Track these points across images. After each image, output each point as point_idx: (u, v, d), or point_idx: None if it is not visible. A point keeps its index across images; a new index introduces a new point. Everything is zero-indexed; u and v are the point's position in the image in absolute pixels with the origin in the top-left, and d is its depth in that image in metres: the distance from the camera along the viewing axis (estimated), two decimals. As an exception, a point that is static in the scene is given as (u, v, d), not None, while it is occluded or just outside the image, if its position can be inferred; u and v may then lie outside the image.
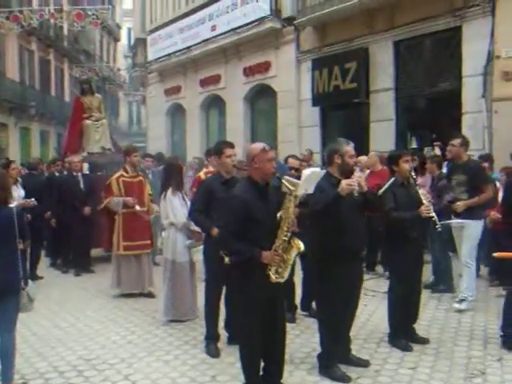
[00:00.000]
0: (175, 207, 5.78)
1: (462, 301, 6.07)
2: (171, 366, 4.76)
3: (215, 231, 4.82)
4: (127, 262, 6.98)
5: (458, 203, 5.89)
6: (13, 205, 4.28)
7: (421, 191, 4.91)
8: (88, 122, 10.27)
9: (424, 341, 5.08)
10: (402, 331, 5.02)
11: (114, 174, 7.34)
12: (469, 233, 6.03)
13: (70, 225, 8.59)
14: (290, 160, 5.97)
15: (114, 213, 7.16)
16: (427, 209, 4.82)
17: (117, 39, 44.47)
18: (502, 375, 4.40)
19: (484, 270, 7.76)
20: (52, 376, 4.57)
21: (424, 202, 4.83)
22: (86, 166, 9.83)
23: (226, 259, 4.55)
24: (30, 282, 4.27)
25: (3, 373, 4.15)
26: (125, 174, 7.17)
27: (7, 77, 24.48)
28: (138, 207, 6.95)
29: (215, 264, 4.81)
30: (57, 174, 10.06)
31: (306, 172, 4.75)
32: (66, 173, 9.44)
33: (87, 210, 8.46)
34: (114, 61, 43.70)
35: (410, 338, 5.04)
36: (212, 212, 4.96)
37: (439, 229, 4.97)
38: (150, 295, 6.98)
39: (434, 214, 4.87)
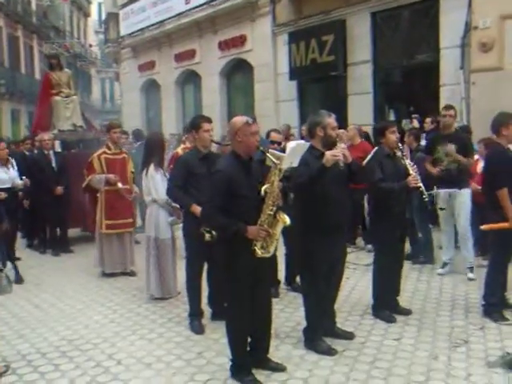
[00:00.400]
0: (157, 183, 5.66)
1: (471, 268, 6.25)
2: (155, 343, 4.71)
3: (194, 207, 4.77)
4: (109, 241, 6.88)
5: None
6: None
7: (407, 162, 4.90)
8: (57, 98, 9.91)
9: (407, 312, 5.13)
10: (386, 303, 5.05)
11: (94, 151, 7.21)
12: (463, 200, 6.19)
13: (44, 205, 8.38)
14: (273, 134, 5.88)
15: (96, 191, 7.04)
16: (415, 179, 4.83)
17: (87, 14, 43.41)
18: (485, 343, 4.47)
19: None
20: (35, 357, 4.48)
21: (411, 172, 4.83)
22: (57, 143, 9.49)
23: (207, 236, 4.51)
24: (7, 263, 4.16)
25: (-17, 357, 4.06)
26: (107, 151, 7.02)
27: (-26, 54, 23.76)
28: (120, 184, 6.82)
29: (195, 240, 4.76)
30: (27, 152, 9.73)
31: (290, 144, 4.65)
32: (36, 151, 9.13)
33: (59, 189, 8.20)
34: (85, 37, 42.71)
35: (394, 310, 5.07)
36: (190, 188, 4.89)
37: (426, 199, 5.01)
38: (132, 274, 6.90)
39: (421, 185, 4.90)
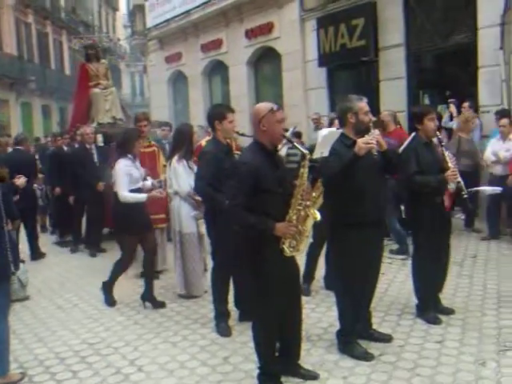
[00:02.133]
0: (179, 175, 5.39)
1: None
2: (179, 347, 4.46)
3: None
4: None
5: None
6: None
7: (446, 153, 4.43)
8: (96, 90, 9.53)
9: (449, 311, 4.74)
10: (431, 303, 4.66)
11: None
12: None
13: (84, 202, 8.07)
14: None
15: None
16: (453, 173, 4.34)
17: (115, 8, 43.61)
18: (538, 347, 4.06)
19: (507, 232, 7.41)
20: (52, 363, 4.28)
21: (450, 165, 4.36)
22: (99, 137, 8.95)
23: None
24: (21, 266, 3.94)
25: (-2, 363, 3.86)
26: None
27: (5, 51, 23.97)
28: (149, 179, 6.13)
29: (228, 239, 4.45)
30: (65, 147, 9.27)
31: (322, 132, 4.27)
32: (77, 145, 8.72)
33: (101, 185, 7.72)
34: (114, 31, 42.90)
35: (434, 309, 4.69)
36: (216, 184, 4.58)
37: (465, 195, 4.44)
38: (157, 275, 6.42)
39: (460, 179, 4.39)
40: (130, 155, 5.39)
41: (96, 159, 8.01)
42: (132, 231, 5.36)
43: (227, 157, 4.58)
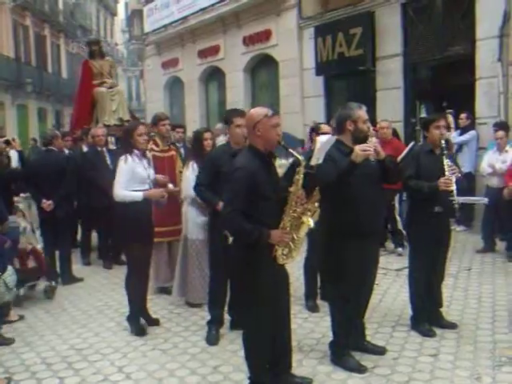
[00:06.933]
0: (185, 179, 5.28)
1: None
2: (169, 355, 4.37)
3: (220, 206, 4.41)
4: (159, 251, 5.88)
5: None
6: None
7: (446, 161, 4.35)
8: (101, 89, 8.93)
9: (453, 326, 4.65)
10: (426, 315, 4.59)
11: None
12: None
13: (97, 210, 7.05)
14: (323, 126, 5.45)
15: None
16: (446, 181, 4.27)
17: (114, 13, 43.60)
18: (534, 362, 4.00)
19: (500, 245, 7.36)
20: (39, 369, 4.18)
21: (446, 173, 4.30)
22: (111, 139, 8.15)
23: (230, 239, 4.12)
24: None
25: (-17, 369, 3.77)
26: (155, 148, 5.93)
27: (2, 53, 23.88)
28: (171, 186, 5.63)
29: (220, 242, 4.37)
30: (66, 150, 8.46)
31: (320, 139, 4.20)
32: (87, 149, 7.91)
33: None
34: (112, 36, 42.87)
35: (436, 323, 4.62)
36: (218, 187, 4.51)
37: (456, 205, 4.35)
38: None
39: (453, 188, 4.29)
40: (136, 151, 4.81)
41: (109, 163, 7.11)
42: (136, 238, 4.75)
43: (231, 160, 4.50)
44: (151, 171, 4.97)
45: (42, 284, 6.02)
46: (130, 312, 4.91)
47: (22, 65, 25.46)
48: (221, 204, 4.33)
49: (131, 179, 4.73)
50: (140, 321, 4.92)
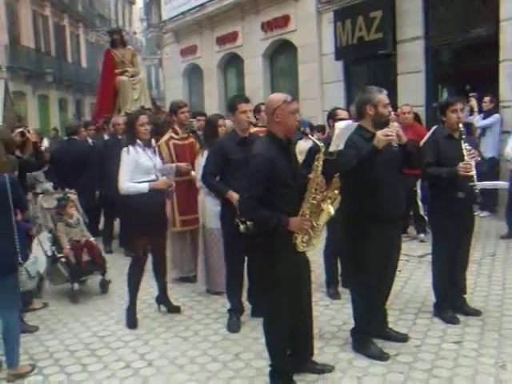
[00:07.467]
0: (198, 167, 5.23)
1: None
2: (191, 342, 4.39)
3: (229, 194, 4.40)
4: (183, 240, 5.93)
5: None
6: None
7: (464, 146, 4.25)
8: (123, 78, 8.94)
9: (476, 313, 4.57)
10: (449, 301, 4.53)
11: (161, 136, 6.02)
12: None
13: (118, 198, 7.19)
14: (339, 112, 5.28)
15: None
16: (466, 166, 4.16)
17: (132, 2, 43.63)
18: (561, 349, 3.92)
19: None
20: (63, 356, 4.23)
21: (466, 158, 4.20)
22: None
23: (242, 227, 4.12)
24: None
25: (8, 356, 3.83)
26: (174, 136, 5.87)
27: (22, 44, 24.09)
28: (193, 173, 5.64)
29: (232, 231, 4.37)
30: (90, 140, 8.52)
31: (339, 125, 4.13)
32: (108, 137, 7.87)
33: None
34: (130, 24, 42.92)
35: (460, 310, 4.55)
36: (227, 175, 4.51)
37: (476, 190, 4.26)
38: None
39: (473, 173, 4.19)
40: (139, 141, 4.75)
41: None
42: (140, 231, 4.68)
43: (239, 148, 4.48)
44: (157, 160, 4.88)
45: (94, 278, 5.86)
46: (129, 302, 4.86)
47: (41, 55, 25.69)
48: (230, 192, 4.36)
49: (135, 170, 4.66)
50: (135, 313, 4.86)
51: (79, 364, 4.07)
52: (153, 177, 4.75)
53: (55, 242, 5.61)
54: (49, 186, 5.99)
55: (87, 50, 32.41)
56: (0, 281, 3.63)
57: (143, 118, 4.77)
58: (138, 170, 4.67)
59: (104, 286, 5.77)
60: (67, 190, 6.33)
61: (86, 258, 5.65)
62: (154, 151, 4.94)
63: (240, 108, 4.52)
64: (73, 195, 5.90)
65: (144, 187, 4.62)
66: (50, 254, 5.48)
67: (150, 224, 4.62)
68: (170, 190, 4.92)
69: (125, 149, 4.73)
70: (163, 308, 5.08)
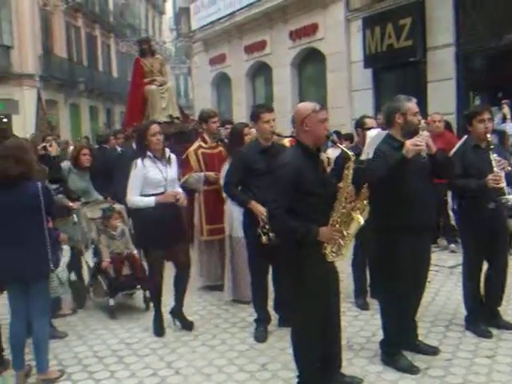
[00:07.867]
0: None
1: None
2: (218, 351, 4.37)
3: (252, 204, 4.39)
4: (210, 249, 5.93)
5: None
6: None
7: (493, 156, 4.14)
8: (152, 87, 9.05)
9: (511, 326, 4.45)
10: (481, 314, 4.42)
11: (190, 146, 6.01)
12: None
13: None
14: (367, 120, 5.17)
15: (192, 192, 5.89)
16: (495, 178, 4.06)
17: (162, 12, 44.23)
18: None
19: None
20: (91, 362, 4.26)
21: (495, 169, 4.10)
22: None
23: (264, 238, 4.10)
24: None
25: (38, 361, 3.88)
26: (203, 145, 5.88)
27: (55, 53, 24.64)
28: (222, 182, 5.54)
29: (255, 241, 4.37)
30: (119, 148, 8.65)
31: (370, 133, 4.08)
32: (135, 146, 8.12)
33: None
34: (160, 34, 43.49)
35: (493, 323, 4.43)
36: (250, 185, 4.50)
37: (509, 202, 4.15)
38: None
39: (503, 185, 4.08)
40: (149, 153, 4.62)
41: None
42: (151, 243, 4.60)
43: (262, 157, 4.47)
44: (170, 172, 4.73)
45: (136, 292, 5.67)
46: (155, 310, 4.85)
47: (74, 64, 26.24)
48: (252, 203, 4.35)
49: (144, 184, 4.59)
50: (162, 322, 4.82)
51: (107, 370, 4.10)
52: (161, 190, 4.63)
53: (97, 253, 5.55)
54: (98, 195, 5.92)
55: (118, 60, 32.96)
56: (32, 287, 3.70)
57: (154, 128, 4.67)
58: (146, 183, 4.60)
59: (147, 302, 5.43)
60: (109, 198, 6.09)
61: (126, 271, 5.46)
62: (168, 162, 4.76)
63: (263, 118, 4.51)
64: (118, 205, 5.81)
65: (150, 201, 4.55)
66: (91, 265, 5.53)
67: (160, 236, 4.51)
68: (180, 203, 4.70)
69: (133, 163, 4.63)
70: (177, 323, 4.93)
